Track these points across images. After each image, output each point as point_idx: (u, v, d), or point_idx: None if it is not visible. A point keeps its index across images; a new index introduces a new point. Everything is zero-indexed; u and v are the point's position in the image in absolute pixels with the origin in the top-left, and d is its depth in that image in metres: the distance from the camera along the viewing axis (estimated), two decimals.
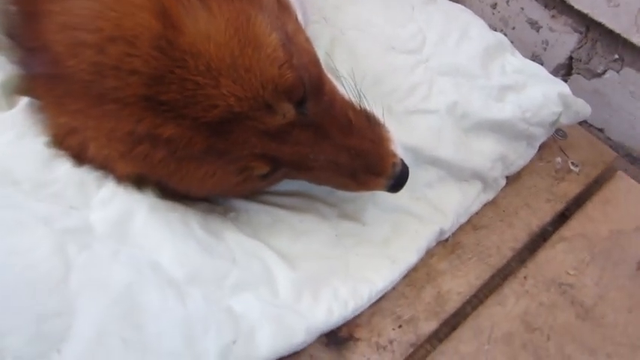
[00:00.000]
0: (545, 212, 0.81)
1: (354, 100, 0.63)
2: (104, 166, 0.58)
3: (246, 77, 0.51)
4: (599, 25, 0.94)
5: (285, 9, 0.62)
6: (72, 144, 0.58)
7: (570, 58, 1.03)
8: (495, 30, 1.11)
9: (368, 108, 0.63)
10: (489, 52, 0.82)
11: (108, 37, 0.49)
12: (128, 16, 0.49)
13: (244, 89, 0.51)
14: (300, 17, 0.65)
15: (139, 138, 0.53)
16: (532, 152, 0.83)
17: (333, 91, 0.61)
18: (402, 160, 0.62)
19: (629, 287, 0.74)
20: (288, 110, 0.54)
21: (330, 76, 0.64)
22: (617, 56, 0.96)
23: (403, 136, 0.70)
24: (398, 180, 0.61)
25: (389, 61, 0.76)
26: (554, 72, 1.06)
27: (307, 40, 0.63)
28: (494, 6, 1.10)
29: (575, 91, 1.02)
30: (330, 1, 0.81)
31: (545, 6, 1.02)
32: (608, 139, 1.03)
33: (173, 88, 0.50)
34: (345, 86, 0.64)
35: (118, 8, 0.49)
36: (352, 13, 0.80)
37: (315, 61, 0.61)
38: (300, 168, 0.59)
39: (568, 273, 0.74)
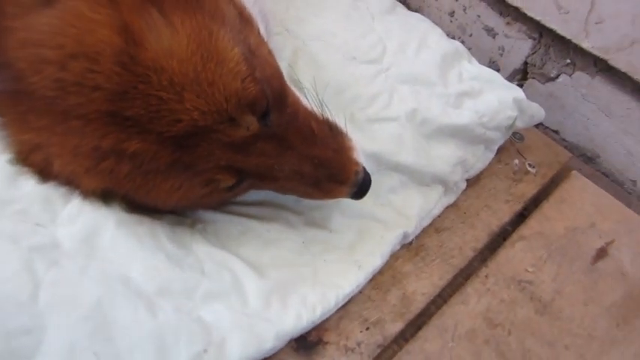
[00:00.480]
0: (505, 213, 0.84)
1: (316, 110, 0.65)
2: (70, 182, 0.59)
3: (210, 91, 0.52)
4: (551, 32, 0.97)
5: (247, 22, 0.63)
6: (36, 160, 0.58)
7: (525, 63, 1.07)
8: (453, 37, 1.14)
9: (330, 118, 0.65)
10: (447, 60, 0.85)
11: (69, 53, 0.50)
12: (89, 32, 0.50)
13: (208, 103, 0.52)
14: (262, 30, 0.66)
15: (104, 153, 0.53)
16: (490, 155, 0.86)
17: (296, 103, 0.63)
18: (364, 168, 0.64)
19: (585, 281, 0.78)
20: (251, 123, 0.56)
21: (293, 87, 0.65)
22: (569, 61, 1.00)
23: (366, 144, 0.72)
24: (361, 187, 0.63)
25: (350, 71, 0.78)
26: (511, 77, 1.10)
27: (270, 52, 0.64)
28: (451, 14, 1.13)
29: (531, 95, 1.07)
30: (293, 13, 0.83)
31: (500, 13, 1.05)
32: (564, 140, 1.07)
33: (137, 103, 0.50)
34: (308, 97, 0.66)
35: (79, 24, 0.50)
36: (315, 25, 0.82)
37: (277, 74, 0.62)
38: (266, 178, 0.60)
39: (527, 270, 0.77)
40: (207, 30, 0.53)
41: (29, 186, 0.58)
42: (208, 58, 0.52)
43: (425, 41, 0.86)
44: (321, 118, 0.64)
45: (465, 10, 1.11)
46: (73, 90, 0.50)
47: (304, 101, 0.65)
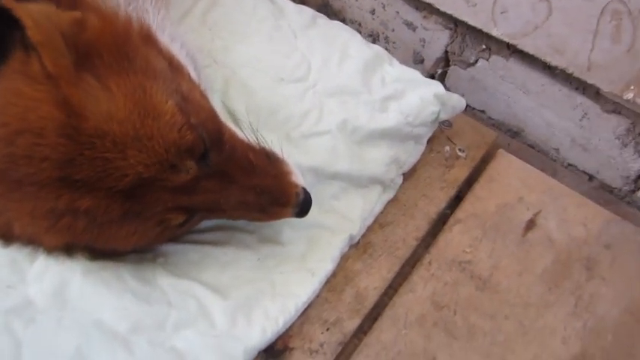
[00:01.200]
0: (441, 199, 0.93)
1: (252, 141, 0.72)
2: (32, 242, 0.65)
3: (150, 145, 0.58)
4: (463, 23, 1.07)
5: (177, 70, 0.69)
6: None
7: (446, 52, 1.16)
8: (377, 33, 1.23)
9: (267, 146, 0.72)
10: (368, 66, 0.93)
11: (15, 130, 0.55)
12: (31, 110, 0.55)
13: (150, 156, 0.58)
14: (192, 73, 0.72)
15: (60, 213, 0.59)
16: (421, 148, 0.95)
17: (233, 138, 0.70)
18: (304, 188, 0.71)
19: (518, 253, 0.88)
20: (191, 167, 0.61)
21: (227, 121, 0.72)
22: (484, 47, 1.10)
23: (303, 159, 0.80)
24: (303, 206, 0.71)
25: (280, 92, 0.86)
26: (435, 65, 1.19)
27: (202, 94, 0.70)
28: (372, 12, 1.21)
29: (455, 80, 1.17)
30: (218, 43, 0.89)
31: (417, 8, 1.14)
32: (490, 118, 1.18)
33: (85, 167, 0.56)
34: (243, 129, 0.73)
35: (20, 103, 0.55)
36: (241, 52, 0.89)
37: (212, 115, 0.68)
38: (214, 211, 0.67)
39: (465, 251, 0.87)
40: (141, 88, 0.60)
41: None
42: (145, 114, 0.58)
43: (346, 52, 0.94)
44: (258, 147, 0.71)
45: (384, 7, 1.19)
46: (23, 162, 0.56)
47: (240, 134, 0.72)
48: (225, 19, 0.92)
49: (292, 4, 1.02)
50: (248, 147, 0.70)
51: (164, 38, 0.72)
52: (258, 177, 0.68)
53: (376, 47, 0.99)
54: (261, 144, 0.72)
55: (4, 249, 0.64)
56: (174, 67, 0.69)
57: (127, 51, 0.63)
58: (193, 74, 0.72)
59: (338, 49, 0.94)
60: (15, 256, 0.64)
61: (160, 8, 0.78)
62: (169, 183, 0.60)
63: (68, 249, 0.66)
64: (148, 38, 0.69)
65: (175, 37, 0.76)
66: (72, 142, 0.55)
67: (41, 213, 0.59)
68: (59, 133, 0.55)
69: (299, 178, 0.71)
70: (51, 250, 0.65)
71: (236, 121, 0.75)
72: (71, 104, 0.55)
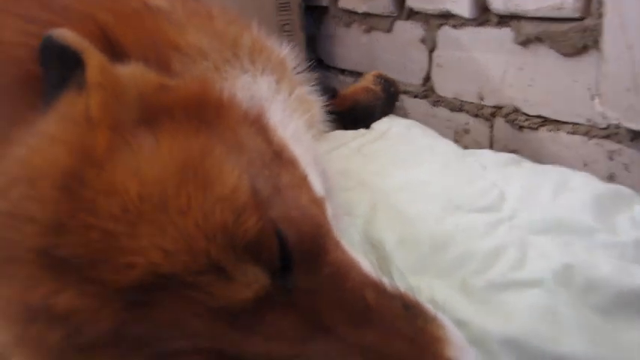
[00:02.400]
0: None
1: (383, 280, 0.43)
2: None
3: (181, 223, 0.36)
4: None
5: (285, 163, 0.50)
6: None
7: None
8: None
9: (409, 292, 0.43)
10: (603, 202, 0.61)
11: (11, 178, 0.39)
12: (37, 152, 0.39)
13: (176, 240, 0.36)
14: (318, 186, 0.50)
15: (32, 314, 0.37)
16: None
17: (344, 264, 0.43)
18: None
19: None
20: (254, 277, 0.37)
21: (351, 250, 0.45)
22: None
23: (493, 324, 0.49)
24: None
25: (452, 223, 0.59)
26: None
27: (314, 200, 0.48)
28: (610, 177, 0.89)
29: None
30: (371, 167, 0.71)
31: None
32: None
33: (74, 239, 0.36)
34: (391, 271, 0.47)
35: (35, 146, 0.40)
36: (399, 176, 0.69)
37: (314, 221, 0.44)
38: None
39: None
40: (202, 150, 0.41)
41: None
42: (191, 180, 0.38)
43: (565, 184, 0.65)
44: (391, 290, 0.42)
45: (626, 168, 0.86)
46: (7, 223, 0.38)
47: (365, 267, 0.44)
48: (388, 148, 0.77)
49: (488, 151, 0.80)
50: (368, 283, 0.42)
51: (284, 133, 0.55)
52: (377, 332, 0.39)
53: (616, 186, 0.67)
54: (404, 291, 0.43)
55: None
56: (283, 159, 0.50)
57: (209, 116, 0.47)
58: (317, 183, 0.50)
59: (550, 181, 0.66)
60: None
61: (293, 115, 0.61)
62: (209, 298, 0.36)
63: None
64: (256, 122, 0.53)
65: (302, 139, 0.58)
66: (66, 198, 0.36)
67: (14, 312, 0.38)
68: (56, 183, 0.37)
69: (461, 353, 0.39)
70: None
71: (379, 255, 0.47)
72: (92, 151, 0.38)
